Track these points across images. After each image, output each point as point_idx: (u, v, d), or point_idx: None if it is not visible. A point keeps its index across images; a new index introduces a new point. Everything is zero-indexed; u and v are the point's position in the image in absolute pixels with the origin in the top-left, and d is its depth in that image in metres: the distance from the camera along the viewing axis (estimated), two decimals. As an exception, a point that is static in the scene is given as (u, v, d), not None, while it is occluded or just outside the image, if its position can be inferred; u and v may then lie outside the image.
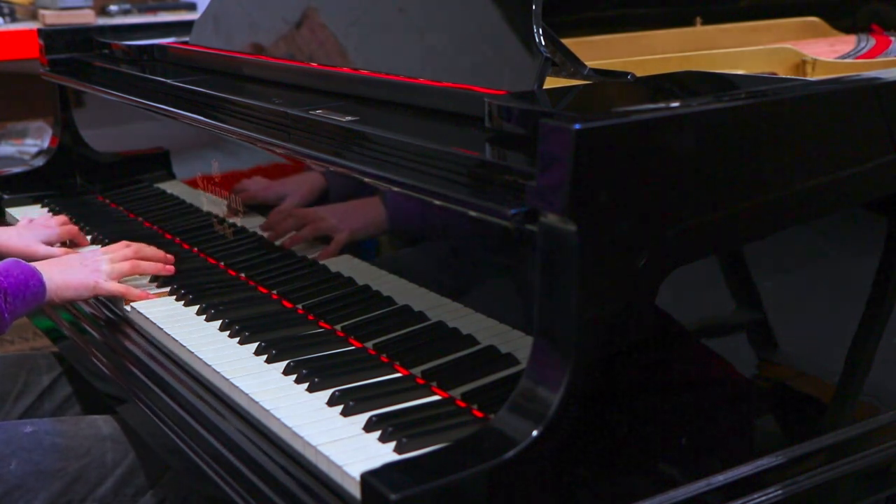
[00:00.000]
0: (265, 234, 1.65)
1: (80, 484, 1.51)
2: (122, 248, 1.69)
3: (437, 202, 1.21)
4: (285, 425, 1.21)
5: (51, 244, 1.89)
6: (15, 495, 1.48)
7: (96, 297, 1.66)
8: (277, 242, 1.62)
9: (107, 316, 1.66)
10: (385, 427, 1.17)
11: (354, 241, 1.48)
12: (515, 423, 1.03)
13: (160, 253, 1.71)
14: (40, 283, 1.53)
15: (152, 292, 1.66)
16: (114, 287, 1.62)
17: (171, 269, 1.69)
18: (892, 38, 2.10)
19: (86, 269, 1.62)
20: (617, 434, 1.08)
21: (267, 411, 1.25)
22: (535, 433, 1.01)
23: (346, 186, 1.47)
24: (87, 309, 1.71)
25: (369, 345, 1.40)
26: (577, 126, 0.99)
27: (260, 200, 1.69)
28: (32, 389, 1.82)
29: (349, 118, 1.41)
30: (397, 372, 1.33)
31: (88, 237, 1.99)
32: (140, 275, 1.68)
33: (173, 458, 1.43)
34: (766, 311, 1.22)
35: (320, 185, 1.53)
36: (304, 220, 1.57)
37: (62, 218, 2.00)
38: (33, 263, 1.57)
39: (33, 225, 1.95)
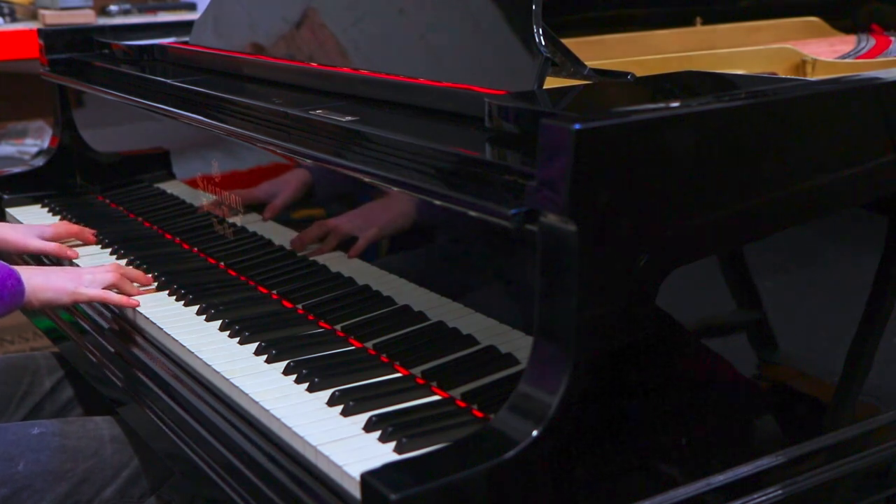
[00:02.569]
0: (293, 248, 1.62)
1: (87, 485, 1.51)
2: (105, 266, 1.66)
3: (437, 202, 1.21)
4: (285, 425, 1.21)
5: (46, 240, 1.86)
6: (23, 496, 1.48)
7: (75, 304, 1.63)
8: (301, 254, 1.59)
9: (106, 316, 1.66)
10: (385, 427, 1.17)
11: (380, 239, 1.47)
12: (515, 424, 1.03)
13: (142, 273, 1.68)
14: (19, 283, 1.50)
15: (137, 296, 1.63)
16: (93, 292, 1.58)
17: (144, 292, 1.65)
18: (892, 38, 2.10)
19: (67, 275, 1.59)
20: (617, 434, 1.08)
21: (267, 411, 1.25)
22: (534, 433, 1.01)
23: (352, 188, 1.47)
24: (87, 308, 1.70)
25: (369, 345, 1.40)
26: (577, 126, 0.99)
27: (265, 201, 1.68)
28: (35, 392, 1.82)
29: (349, 118, 1.41)
30: (397, 372, 1.33)
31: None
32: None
33: (174, 459, 1.43)
34: (766, 311, 1.22)
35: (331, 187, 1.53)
36: (327, 229, 1.55)
37: (61, 224, 1.96)
38: (15, 267, 1.54)
39: (30, 224, 1.91)
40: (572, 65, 1.46)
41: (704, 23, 2.24)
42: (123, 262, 1.81)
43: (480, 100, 1.26)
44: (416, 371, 1.31)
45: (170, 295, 1.64)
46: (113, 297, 1.60)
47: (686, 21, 2.23)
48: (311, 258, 1.55)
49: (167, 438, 1.38)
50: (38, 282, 1.54)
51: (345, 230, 1.49)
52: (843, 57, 1.95)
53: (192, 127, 1.75)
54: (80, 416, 1.80)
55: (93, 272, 1.62)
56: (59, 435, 1.55)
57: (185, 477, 1.49)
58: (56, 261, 1.89)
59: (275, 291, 1.60)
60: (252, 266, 1.68)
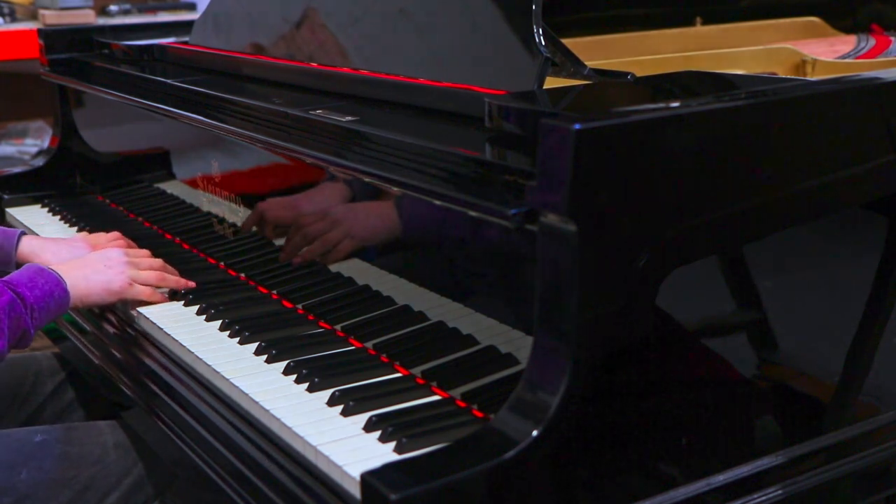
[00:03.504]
0: (283, 256, 1.62)
1: (90, 493, 1.50)
2: (149, 259, 1.65)
3: (437, 202, 1.21)
4: (285, 425, 1.21)
5: None
6: None
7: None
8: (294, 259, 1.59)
9: (107, 317, 1.66)
10: (385, 427, 1.17)
11: (363, 247, 1.47)
12: (515, 423, 1.03)
13: (183, 281, 1.66)
14: (65, 293, 1.49)
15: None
16: (141, 291, 1.57)
17: (192, 283, 1.64)
18: (892, 38, 2.10)
19: (110, 271, 1.57)
20: (617, 434, 1.08)
21: (267, 411, 1.25)
22: (535, 433, 1.01)
23: (350, 189, 1.47)
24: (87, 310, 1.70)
25: (369, 345, 1.40)
26: (577, 126, 0.99)
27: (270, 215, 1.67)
28: (37, 393, 1.81)
29: (349, 118, 1.41)
30: (397, 372, 1.33)
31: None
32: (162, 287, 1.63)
33: (176, 462, 1.43)
34: (766, 311, 1.22)
35: (331, 191, 1.53)
36: (313, 235, 1.55)
37: (114, 234, 1.81)
38: (55, 267, 1.52)
39: (64, 242, 1.80)
40: (572, 65, 1.46)
41: (704, 23, 2.24)
42: None
43: (480, 100, 1.26)
44: (416, 371, 1.31)
45: (170, 295, 1.64)
46: (159, 296, 1.60)
47: (686, 21, 2.23)
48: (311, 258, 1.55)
49: (168, 440, 1.38)
50: (82, 287, 1.53)
51: (338, 232, 1.49)
52: (843, 57, 1.95)
53: (192, 127, 1.75)
54: (82, 420, 1.79)
55: (137, 264, 1.60)
56: (62, 441, 1.54)
57: (188, 480, 1.49)
58: None
59: (275, 291, 1.60)
60: (252, 266, 1.68)
